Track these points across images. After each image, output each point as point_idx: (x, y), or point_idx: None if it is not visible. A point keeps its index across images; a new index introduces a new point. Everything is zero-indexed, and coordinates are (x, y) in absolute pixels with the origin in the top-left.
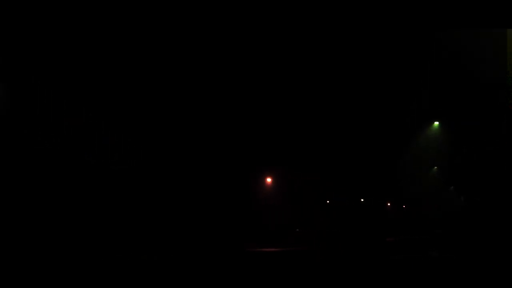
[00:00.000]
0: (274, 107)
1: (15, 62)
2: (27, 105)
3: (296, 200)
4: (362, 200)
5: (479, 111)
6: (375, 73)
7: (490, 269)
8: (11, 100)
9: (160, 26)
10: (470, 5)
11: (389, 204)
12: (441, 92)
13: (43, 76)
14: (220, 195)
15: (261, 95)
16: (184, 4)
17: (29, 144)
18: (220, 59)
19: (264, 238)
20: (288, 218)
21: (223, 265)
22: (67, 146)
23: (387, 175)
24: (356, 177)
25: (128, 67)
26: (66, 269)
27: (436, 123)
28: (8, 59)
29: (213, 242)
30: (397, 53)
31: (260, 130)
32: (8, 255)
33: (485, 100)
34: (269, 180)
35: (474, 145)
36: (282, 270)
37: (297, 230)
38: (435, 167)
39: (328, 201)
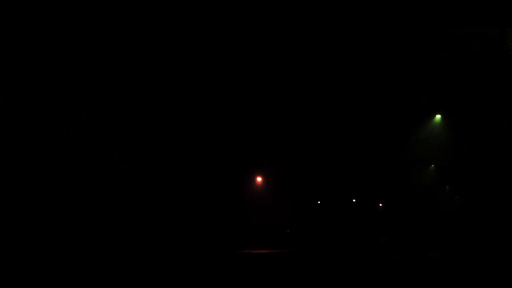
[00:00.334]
0: (266, 104)
1: (15, 62)
2: (27, 105)
3: (287, 200)
4: (353, 200)
5: (479, 111)
6: (373, 72)
7: (490, 269)
8: (11, 100)
9: (160, 26)
10: (470, 5)
11: (381, 204)
12: (441, 92)
13: (43, 76)
14: (211, 194)
15: (255, 94)
16: (181, 4)
17: (29, 144)
18: (215, 57)
19: (254, 240)
20: (279, 219)
21: (212, 267)
22: (67, 146)
23: (382, 174)
24: (349, 176)
25: (128, 67)
26: (66, 269)
27: (438, 116)
28: (8, 59)
29: (204, 244)
30: (397, 52)
31: (250, 127)
32: (8, 255)
33: (485, 100)
34: (259, 179)
35: (474, 145)
36: (272, 273)
37: (288, 231)
38: (432, 165)
39: (319, 201)
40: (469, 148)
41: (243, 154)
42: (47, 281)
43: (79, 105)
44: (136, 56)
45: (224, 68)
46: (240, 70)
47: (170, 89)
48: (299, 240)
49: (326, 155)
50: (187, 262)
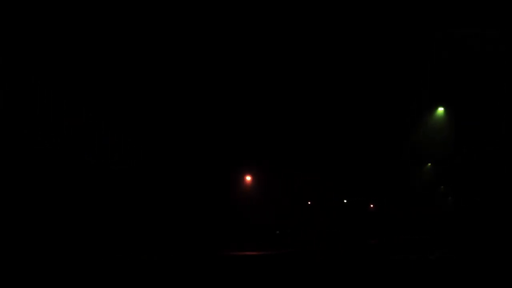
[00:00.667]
0: (257, 104)
1: (15, 62)
2: (27, 105)
3: (278, 200)
4: (345, 201)
5: (479, 111)
6: (372, 71)
7: (490, 269)
8: (11, 100)
9: (159, 26)
10: (470, 5)
11: (372, 205)
12: (441, 92)
13: (43, 76)
14: (198, 195)
15: (247, 93)
16: (178, 4)
17: (29, 144)
18: (211, 57)
19: (242, 241)
20: (269, 219)
21: (190, 270)
22: (67, 146)
23: (379, 173)
24: (342, 176)
25: (128, 67)
26: (66, 269)
27: (441, 109)
28: (8, 59)
29: (186, 245)
30: (397, 52)
31: (239, 125)
32: (8, 255)
33: (485, 100)
34: (248, 178)
35: (474, 145)
36: (260, 277)
37: (277, 232)
38: (429, 164)
39: (309, 202)
40: (469, 148)
41: (231, 152)
42: (47, 281)
43: (79, 105)
44: (136, 57)
45: (222, 68)
46: (238, 70)
47: (166, 89)
48: (291, 242)
49: (321, 155)
50: (166, 265)
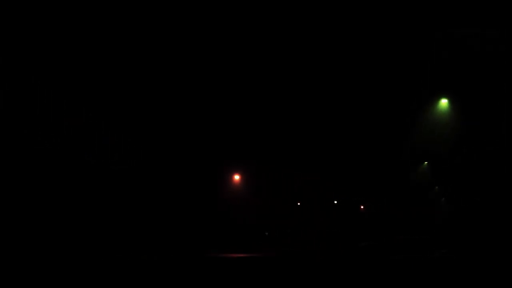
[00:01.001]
0: (248, 104)
1: (15, 62)
2: (27, 105)
3: (269, 200)
4: (335, 202)
5: (479, 111)
6: (372, 71)
7: (490, 269)
8: (11, 100)
9: (159, 27)
10: (470, 5)
11: (362, 206)
12: (440, 92)
13: (43, 76)
14: (187, 194)
15: (243, 93)
16: (175, 4)
17: (29, 144)
18: (205, 57)
19: (229, 242)
20: (258, 219)
21: (174, 272)
22: (67, 146)
23: (377, 174)
24: (334, 177)
25: (127, 67)
26: (66, 269)
27: (445, 100)
28: (8, 59)
29: (172, 246)
30: (397, 52)
31: (227, 124)
32: (8, 255)
33: (485, 100)
34: (237, 177)
35: (474, 145)
36: (248, 280)
37: (266, 233)
38: (425, 162)
39: (299, 203)
40: (469, 148)
41: (220, 151)
42: (47, 280)
43: (79, 105)
44: (135, 57)
45: (215, 69)
46: (230, 71)
47: (160, 89)
48: (281, 243)
49: (317, 155)
50: (151, 266)
